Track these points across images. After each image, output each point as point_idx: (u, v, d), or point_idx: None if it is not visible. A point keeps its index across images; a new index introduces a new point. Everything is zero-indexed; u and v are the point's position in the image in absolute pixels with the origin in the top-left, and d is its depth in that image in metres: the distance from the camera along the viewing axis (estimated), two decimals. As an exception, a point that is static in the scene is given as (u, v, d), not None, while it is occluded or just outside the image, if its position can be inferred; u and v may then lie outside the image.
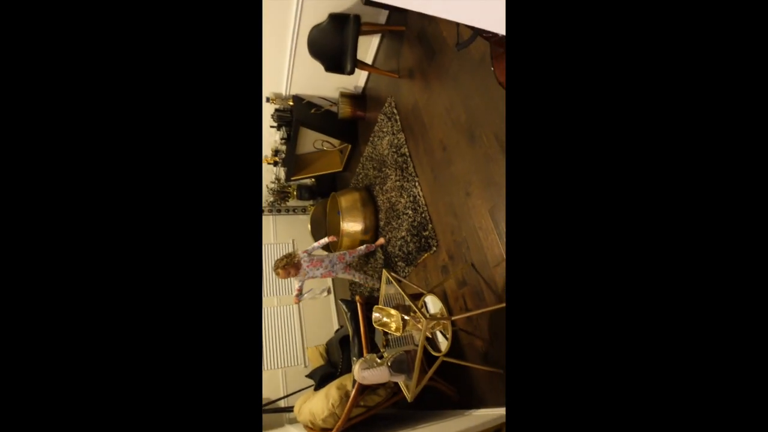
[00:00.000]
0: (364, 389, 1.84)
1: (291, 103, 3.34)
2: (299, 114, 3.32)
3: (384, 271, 1.69)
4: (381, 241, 2.91)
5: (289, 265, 2.37)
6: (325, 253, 2.89)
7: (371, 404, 1.87)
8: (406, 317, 1.47)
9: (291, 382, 3.68)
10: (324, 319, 3.96)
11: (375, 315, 1.62)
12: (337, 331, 3.29)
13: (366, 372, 1.42)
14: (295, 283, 2.56)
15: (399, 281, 1.62)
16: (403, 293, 1.51)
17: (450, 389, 2.01)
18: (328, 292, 3.33)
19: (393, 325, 1.55)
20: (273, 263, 2.44)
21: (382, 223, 2.96)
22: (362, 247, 2.86)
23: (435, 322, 1.47)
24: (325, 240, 2.78)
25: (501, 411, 1.63)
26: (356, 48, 2.65)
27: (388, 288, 1.87)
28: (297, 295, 2.54)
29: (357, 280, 2.92)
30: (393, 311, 1.51)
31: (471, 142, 1.96)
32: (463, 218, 2.00)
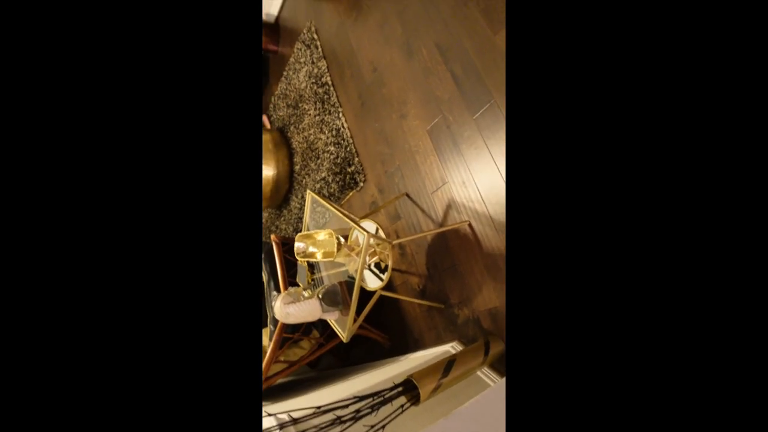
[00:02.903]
0: (283, 342, 1.52)
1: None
2: (193, 37, 2.73)
3: (308, 192, 1.38)
4: None
5: None
6: None
7: (293, 359, 1.57)
8: (341, 238, 1.19)
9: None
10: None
11: (298, 245, 1.31)
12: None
13: (292, 307, 1.11)
14: None
15: (331, 203, 1.33)
16: (338, 211, 1.22)
17: (381, 336, 1.80)
18: None
19: (321, 253, 1.26)
20: None
21: (297, 168, 2.60)
22: None
23: (377, 241, 1.22)
24: None
25: (443, 348, 1.47)
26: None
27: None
28: None
29: None
30: (322, 233, 1.22)
31: (408, 56, 1.72)
32: (396, 144, 1.77)
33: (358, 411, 0.94)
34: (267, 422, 1.00)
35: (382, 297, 1.80)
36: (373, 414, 0.95)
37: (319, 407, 0.94)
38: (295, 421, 0.96)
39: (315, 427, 0.92)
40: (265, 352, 1.49)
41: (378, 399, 0.97)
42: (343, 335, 1.23)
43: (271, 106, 2.97)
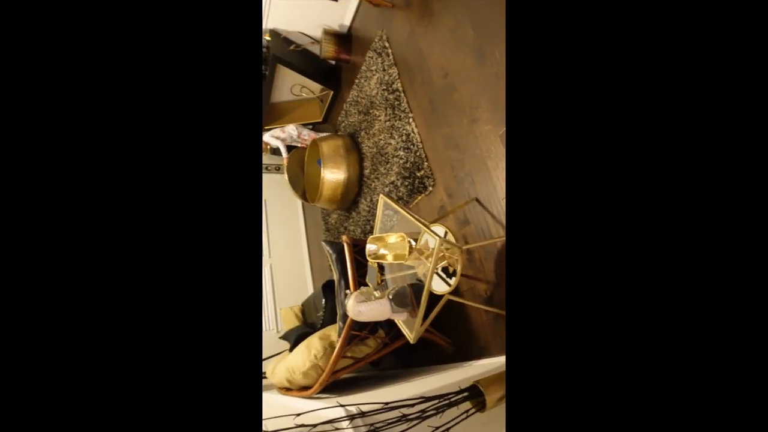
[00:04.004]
0: (351, 338, 1.60)
1: (268, 38, 2.97)
2: (277, 50, 2.96)
3: (381, 196, 1.43)
4: None
5: None
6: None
7: (359, 355, 1.63)
8: (413, 242, 1.23)
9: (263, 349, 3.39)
10: (298, 280, 3.68)
11: (369, 247, 1.37)
12: (312, 294, 3.03)
13: (363, 306, 1.17)
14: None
15: (402, 207, 1.37)
16: (409, 215, 1.26)
17: (444, 341, 1.81)
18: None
19: (392, 255, 1.30)
20: None
21: (367, 171, 2.69)
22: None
23: (447, 246, 1.24)
24: None
25: (509, 357, 1.44)
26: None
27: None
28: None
29: None
30: (394, 236, 1.26)
31: (480, 61, 1.71)
32: (467, 149, 1.76)
33: (423, 411, 0.96)
34: (337, 412, 1.06)
35: (447, 302, 1.81)
36: (438, 416, 0.97)
37: (386, 403, 0.98)
38: (363, 414, 1.01)
39: (382, 422, 0.96)
40: (335, 347, 1.57)
41: (444, 401, 0.98)
42: (410, 336, 1.26)
43: (343, 112, 3.11)
